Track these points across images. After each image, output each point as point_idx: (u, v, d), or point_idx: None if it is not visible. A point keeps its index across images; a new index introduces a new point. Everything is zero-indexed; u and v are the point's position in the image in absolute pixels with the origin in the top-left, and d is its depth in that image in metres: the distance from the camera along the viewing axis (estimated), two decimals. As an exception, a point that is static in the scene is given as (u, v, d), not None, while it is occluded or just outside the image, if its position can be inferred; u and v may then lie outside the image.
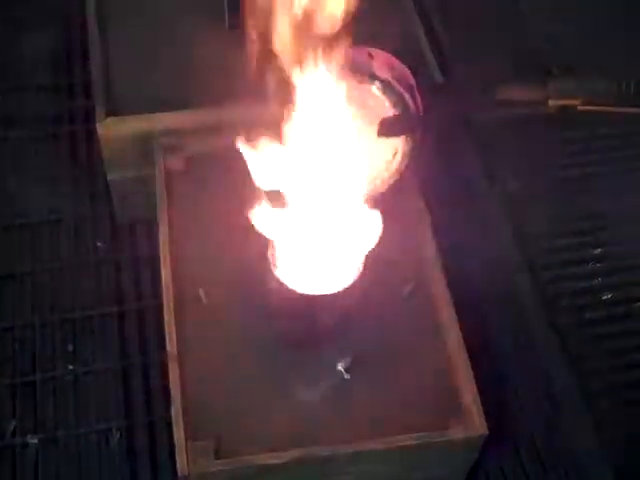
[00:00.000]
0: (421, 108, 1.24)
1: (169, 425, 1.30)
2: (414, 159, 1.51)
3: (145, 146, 1.51)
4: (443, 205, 1.81)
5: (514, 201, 1.81)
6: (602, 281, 1.71)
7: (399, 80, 1.23)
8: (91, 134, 1.81)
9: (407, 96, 1.22)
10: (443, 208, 1.80)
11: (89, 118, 1.83)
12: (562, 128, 1.92)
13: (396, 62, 1.24)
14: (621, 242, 1.77)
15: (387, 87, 1.20)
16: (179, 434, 1.22)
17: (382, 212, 1.36)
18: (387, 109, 1.21)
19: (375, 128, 1.21)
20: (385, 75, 1.22)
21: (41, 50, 2.00)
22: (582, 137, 1.93)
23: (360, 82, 1.20)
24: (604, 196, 1.84)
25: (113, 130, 1.55)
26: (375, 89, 1.20)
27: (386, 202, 1.34)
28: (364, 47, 1.23)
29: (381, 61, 1.23)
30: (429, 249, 1.44)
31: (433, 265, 1.42)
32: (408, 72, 1.25)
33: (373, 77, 1.21)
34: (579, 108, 1.17)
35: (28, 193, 1.79)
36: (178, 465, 1.19)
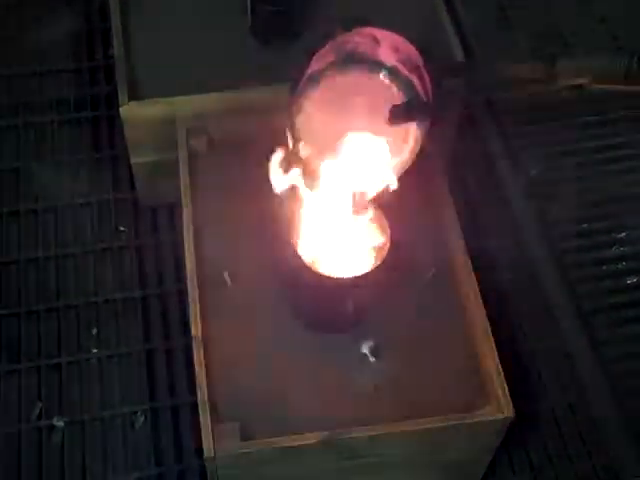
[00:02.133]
0: (430, 89, 1.23)
1: (193, 408, 1.31)
2: (436, 141, 1.51)
3: (168, 129, 1.51)
4: (466, 189, 1.82)
5: (536, 184, 1.80)
6: (627, 265, 1.70)
7: (406, 62, 1.21)
8: (113, 119, 1.83)
9: (415, 79, 1.20)
10: (466, 192, 1.81)
11: (111, 103, 1.83)
12: (586, 111, 1.91)
13: (402, 43, 1.22)
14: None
15: (394, 74, 1.18)
16: (205, 417, 1.22)
17: (405, 195, 1.37)
18: (397, 95, 1.20)
19: (386, 116, 1.20)
20: (391, 60, 1.20)
21: (62, 34, 2.00)
22: (606, 120, 1.91)
23: (367, 71, 1.19)
24: (628, 179, 1.83)
25: (136, 114, 1.55)
26: (382, 77, 1.19)
27: (409, 185, 1.34)
28: (368, 29, 1.21)
29: (386, 45, 1.21)
30: (452, 232, 1.43)
31: (456, 248, 1.41)
32: (415, 52, 1.23)
33: (379, 65, 1.19)
34: (590, 87, 1.15)
35: (51, 178, 1.79)
36: (204, 447, 1.20)
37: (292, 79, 1.24)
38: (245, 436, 1.22)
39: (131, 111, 1.54)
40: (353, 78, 1.20)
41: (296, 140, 1.25)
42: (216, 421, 1.22)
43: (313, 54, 1.25)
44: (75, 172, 1.80)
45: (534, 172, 1.82)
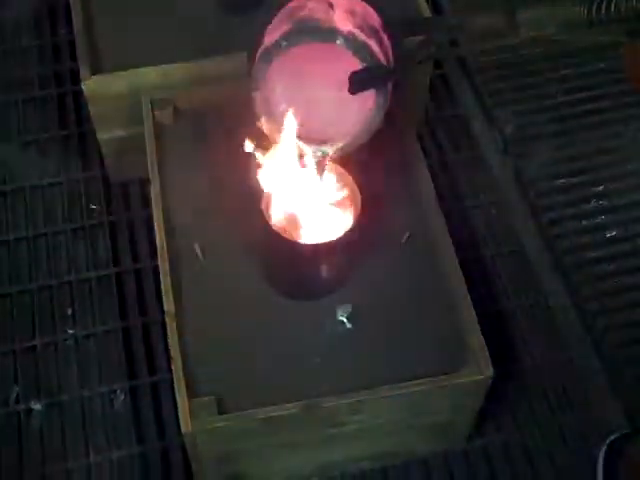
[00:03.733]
0: (390, 51, 1.19)
1: (173, 385, 1.29)
2: (408, 103, 1.49)
3: (134, 103, 1.47)
4: (440, 149, 1.79)
5: (513, 141, 1.78)
6: (605, 219, 1.68)
7: (363, 26, 1.17)
8: (79, 95, 1.78)
9: (373, 44, 1.17)
10: (440, 151, 1.79)
11: (76, 79, 1.79)
12: (560, 65, 1.88)
13: (358, 4, 1.18)
14: (623, 178, 1.73)
15: (350, 40, 1.14)
16: (181, 391, 1.20)
17: (377, 159, 1.34)
18: (356, 62, 1.16)
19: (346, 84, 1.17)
20: (347, 25, 1.16)
21: (23, 12, 1.96)
22: (580, 73, 1.88)
23: (322, 40, 1.15)
24: (604, 133, 1.81)
25: (99, 88, 1.51)
26: (339, 45, 1.15)
27: (381, 149, 1.32)
28: None
29: (342, 9, 1.17)
30: (426, 194, 1.41)
31: (431, 210, 1.39)
32: (372, 13, 1.19)
33: (334, 32, 1.15)
34: (553, 37, 1.11)
35: (18, 158, 1.76)
36: (181, 422, 1.18)
37: (247, 53, 1.21)
38: (222, 409, 1.20)
39: (94, 86, 1.51)
40: (309, 48, 1.17)
41: (257, 115, 1.22)
42: (192, 395, 1.20)
43: (267, 23, 1.21)
44: (43, 151, 1.77)
45: (510, 128, 1.79)
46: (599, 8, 1.04)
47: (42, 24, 1.95)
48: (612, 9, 1.04)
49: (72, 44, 1.79)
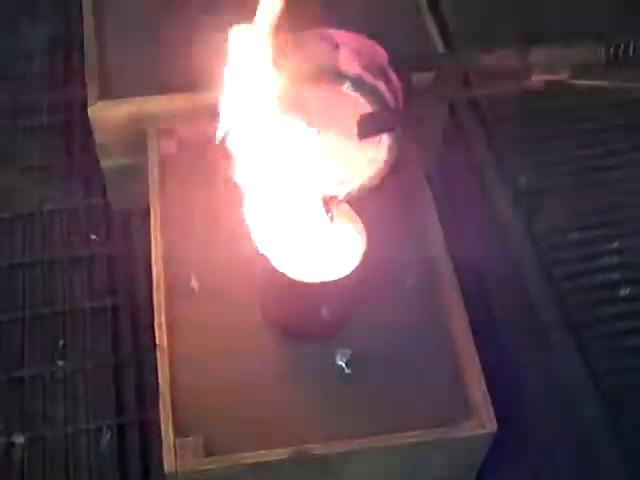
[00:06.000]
0: (399, 89, 1.15)
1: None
2: (420, 147, 1.45)
3: (138, 131, 1.45)
4: (451, 196, 1.75)
5: (525, 192, 1.74)
6: (619, 276, 1.63)
7: (370, 66, 1.13)
8: (86, 123, 1.75)
9: (381, 84, 1.12)
10: (451, 199, 1.75)
11: (85, 107, 1.77)
12: (576, 118, 1.85)
13: (364, 44, 1.13)
14: (638, 235, 1.69)
15: (358, 84, 1.10)
16: (166, 430, 1.15)
17: (387, 202, 1.30)
18: (364, 105, 1.12)
19: (354, 130, 1.13)
20: (354, 68, 1.11)
21: (38, 38, 1.94)
22: (597, 127, 1.85)
23: (329, 84, 1.11)
24: (619, 189, 1.77)
25: (105, 113, 1.49)
26: (347, 89, 1.11)
27: (391, 192, 1.28)
28: (326, 32, 1.13)
29: (347, 49, 1.13)
30: (435, 240, 1.36)
31: (440, 257, 1.35)
32: (379, 50, 1.14)
33: (341, 76, 1.11)
34: (567, 82, 1.06)
35: (20, 184, 1.73)
36: (165, 462, 1.13)
37: None
38: (210, 451, 1.14)
39: (100, 111, 1.49)
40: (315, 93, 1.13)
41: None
42: (179, 434, 1.15)
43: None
44: (45, 178, 1.74)
45: (523, 179, 1.75)
46: (617, 50, 1.00)
47: (55, 51, 1.94)
48: (630, 51, 1.00)
49: (84, 72, 1.79)
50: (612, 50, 1.00)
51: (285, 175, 1.16)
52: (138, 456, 1.43)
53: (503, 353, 1.54)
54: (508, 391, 1.49)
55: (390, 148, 1.16)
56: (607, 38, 0.99)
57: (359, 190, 1.21)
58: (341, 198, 1.21)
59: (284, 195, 1.17)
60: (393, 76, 1.15)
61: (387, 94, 1.12)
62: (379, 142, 1.15)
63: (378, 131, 1.13)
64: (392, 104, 1.13)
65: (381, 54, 1.16)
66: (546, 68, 1.06)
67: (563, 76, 1.06)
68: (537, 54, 1.03)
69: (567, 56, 1.03)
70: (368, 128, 1.11)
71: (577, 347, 1.55)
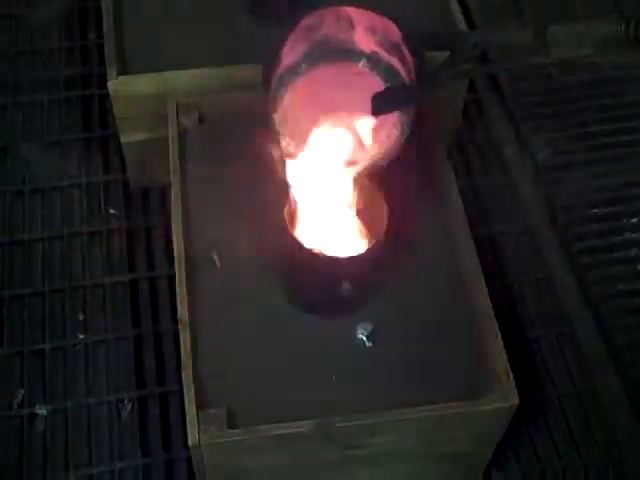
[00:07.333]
0: (413, 67, 1.14)
1: (182, 396, 1.24)
2: (440, 124, 1.44)
3: (158, 106, 1.44)
4: (472, 172, 1.75)
5: (545, 168, 1.73)
6: (638, 251, 1.63)
7: (384, 43, 1.12)
8: (105, 99, 1.76)
9: (396, 62, 1.12)
10: (470, 174, 1.75)
11: (103, 82, 1.77)
12: (596, 93, 1.84)
13: (378, 21, 1.13)
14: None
15: (373, 61, 1.10)
16: (190, 402, 1.15)
17: (406, 178, 1.30)
18: (379, 82, 1.12)
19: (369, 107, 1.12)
20: (370, 45, 1.11)
21: (54, 13, 1.94)
22: (616, 103, 1.84)
23: (345, 62, 1.11)
24: (639, 164, 1.76)
25: (125, 89, 1.48)
26: (362, 67, 1.10)
27: (411, 169, 1.27)
28: (342, 9, 1.13)
29: (362, 27, 1.12)
30: (455, 216, 1.36)
31: (460, 232, 1.34)
32: (393, 28, 1.14)
33: (357, 54, 1.10)
34: (585, 59, 1.05)
35: (40, 158, 1.73)
36: (189, 434, 1.13)
37: (264, 74, 1.16)
38: (233, 423, 1.15)
39: (119, 86, 1.48)
40: (329, 67, 1.11)
41: (277, 136, 1.17)
42: (202, 407, 1.15)
43: (282, 42, 1.16)
44: (64, 153, 1.74)
45: (543, 155, 1.74)
46: (637, 26, 0.98)
47: (72, 26, 1.93)
48: None
49: (101, 48, 1.78)
50: (632, 27, 0.99)
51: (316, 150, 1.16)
52: (159, 428, 1.44)
53: (521, 327, 1.55)
54: (526, 364, 1.50)
55: (403, 123, 1.16)
56: (627, 14, 0.98)
57: (373, 165, 1.21)
58: (358, 171, 1.21)
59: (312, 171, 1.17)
60: (406, 52, 1.15)
61: (402, 71, 1.12)
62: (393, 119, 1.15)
63: (392, 107, 1.13)
64: (406, 81, 1.13)
65: (395, 31, 1.15)
66: (565, 45, 1.05)
67: (581, 53, 1.05)
68: (556, 32, 1.02)
69: (586, 34, 1.02)
70: (383, 104, 1.12)
71: (595, 321, 1.55)
